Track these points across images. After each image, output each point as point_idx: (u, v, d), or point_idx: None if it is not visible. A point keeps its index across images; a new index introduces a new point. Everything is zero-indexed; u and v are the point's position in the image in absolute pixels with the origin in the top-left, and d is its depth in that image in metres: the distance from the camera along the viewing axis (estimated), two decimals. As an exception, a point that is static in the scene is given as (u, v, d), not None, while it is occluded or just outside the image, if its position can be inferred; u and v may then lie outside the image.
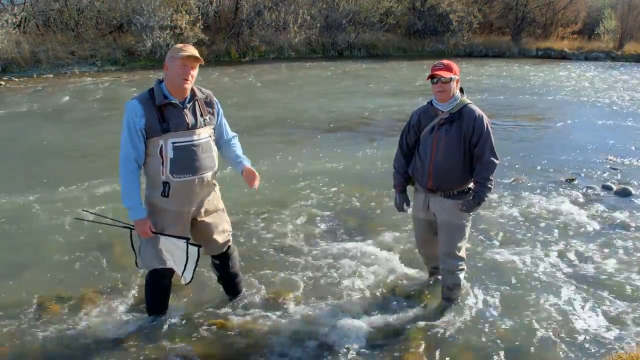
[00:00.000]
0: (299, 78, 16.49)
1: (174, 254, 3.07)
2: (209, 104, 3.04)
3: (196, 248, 3.05)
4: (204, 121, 2.97)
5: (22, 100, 11.76)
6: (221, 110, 3.14)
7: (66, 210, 5.23)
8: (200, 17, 19.46)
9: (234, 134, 3.26)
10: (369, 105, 11.88)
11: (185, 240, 3.02)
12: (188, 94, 2.94)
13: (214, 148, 3.06)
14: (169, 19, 18.27)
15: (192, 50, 2.86)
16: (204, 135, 2.97)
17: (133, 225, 2.97)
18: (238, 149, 3.23)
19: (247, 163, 3.16)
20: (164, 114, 2.85)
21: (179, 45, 2.92)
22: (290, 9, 22.05)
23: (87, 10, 19.00)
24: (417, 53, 25.13)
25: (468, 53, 25.39)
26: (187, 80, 2.85)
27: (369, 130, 9.44)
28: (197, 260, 3.08)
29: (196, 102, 2.97)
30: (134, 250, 3.11)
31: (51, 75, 15.91)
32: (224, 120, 3.18)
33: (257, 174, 3.10)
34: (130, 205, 2.90)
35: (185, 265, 3.06)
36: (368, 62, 21.47)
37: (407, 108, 11.01)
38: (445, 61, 3.26)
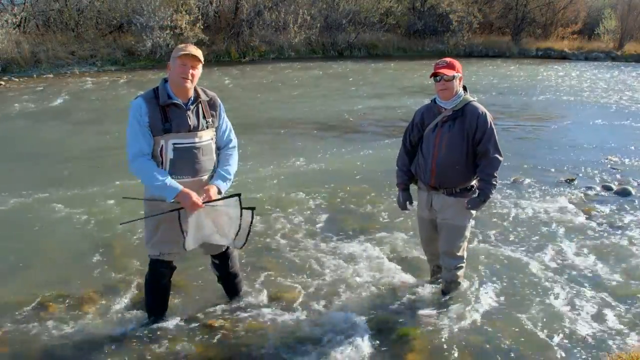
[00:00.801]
0: (299, 78, 16.49)
1: (220, 222, 2.95)
2: (212, 106, 3.02)
3: (250, 211, 2.97)
4: (206, 123, 2.96)
5: (22, 100, 11.75)
6: (224, 113, 3.11)
7: (66, 210, 5.22)
8: (200, 17, 19.47)
9: (234, 143, 3.13)
10: (369, 105, 11.88)
11: (237, 197, 2.93)
12: (191, 94, 2.93)
13: (214, 150, 3.04)
14: (169, 19, 18.27)
15: (192, 49, 2.85)
16: (205, 137, 2.96)
17: (179, 204, 2.80)
18: (226, 163, 3.04)
19: (221, 184, 2.96)
20: (167, 114, 2.85)
21: (180, 45, 2.92)
22: (290, 9, 22.05)
23: (87, 10, 19.00)
24: (417, 53, 25.13)
25: (468, 53, 25.38)
26: (187, 79, 2.83)
27: (369, 130, 9.45)
28: (251, 224, 3.00)
29: (200, 104, 2.96)
30: (182, 233, 2.93)
31: (51, 75, 15.91)
32: (226, 125, 3.10)
33: (211, 194, 2.89)
34: (162, 184, 2.75)
35: (239, 228, 2.96)
36: (368, 62, 21.47)
37: (408, 108, 11.02)
38: (448, 59, 3.27)
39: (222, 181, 2.98)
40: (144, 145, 2.83)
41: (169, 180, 2.78)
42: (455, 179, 3.29)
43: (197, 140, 2.91)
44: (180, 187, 2.78)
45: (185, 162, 2.90)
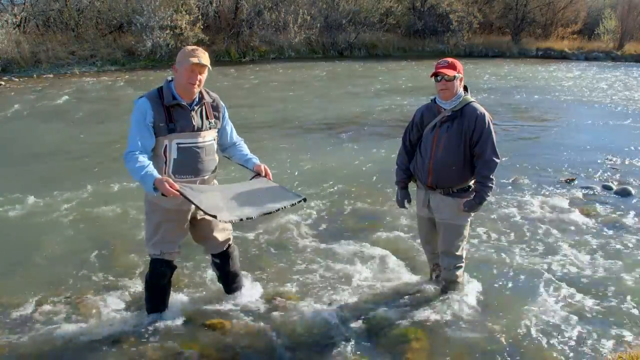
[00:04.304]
0: (299, 78, 16.49)
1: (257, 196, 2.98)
2: (215, 107, 3.07)
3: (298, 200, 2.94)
4: (209, 124, 3.00)
5: (22, 100, 11.76)
6: (227, 115, 3.17)
7: (66, 210, 5.23)
8: (200, 17, 19.48)
9: (240, 138, 3.29)
10: (368, 105, 11.88)
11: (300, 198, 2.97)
12: (196, 96, 2.95)
13: (216, 151, 3.09)
14: (169, 19, 18.28)
15: (202, 57, 2.84)
16: (208, 138, 3.00)
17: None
18: (245, 149, 3.26)
19: (257, 160, 3.19)
20: (171, 114, 2.87)
21: (189, 49, 2.89)
22: (290, 9, 22.06)
23: (87, 10, 19.01)
24: (417, 53, 25.12)
25: (468, 53, 25.39)
26: (194, 85, 2.86)
27: (369, 131, 9.45)
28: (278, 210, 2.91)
29: (204, 105, 2.99)
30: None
31: (51, 75, 15.92)
32: (231, 125, 3.21)
33: (269, 170, 3.13)
34: (143, 174, 2.72)
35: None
36: (368, 62, 21.47)
37: (407, 108, 11.03)
38: (449, 59, 3.26)
39: (258, 160, 3.17)
40: (143, 144, 2.84)
41: (149, 169, 2.75)
42: (452, 180, 3.29)
43: (200, 140, 2.94)
44: (157, 174, 2.74)
45: (189, 161, 2.93)
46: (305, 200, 2.96)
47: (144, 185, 2.76)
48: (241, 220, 2.77)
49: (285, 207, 2.92)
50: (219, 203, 2.82)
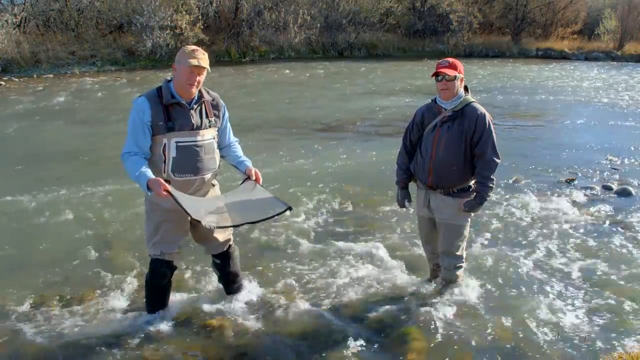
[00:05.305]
0: (299, 78, 16.49)
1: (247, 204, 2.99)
2: (215, 106, 3.07)
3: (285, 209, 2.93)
4: (209, 123, 3.00)
5: (22, 100, 11.76)
6: (227, 114, 3.17)
7: (66, 210, 5.22)
8: (200, 17, 19.48)
9: (236, 139, 3.28)
10: (368, 105, 11.88)
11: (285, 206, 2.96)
12: (195, 95, 2.96)
13: (216, 150, 3.08)
14: (169, 19, 18.28)
15: (201, 59, 2.85)
16: (207, 136, 2.99)
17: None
18: (239, 151, 3.25)
19: (249, 163, 3.18)
20: (170, 113, 2.87)
21: (189, 49, 2.90)
22: (290, 9, 22.07)
23: (87, 10, 19.01)
24: (417, 53, 25.12)
25: (468, 53, 25.38)
26: (193, 85, 2.87)
27: (369, 131, 9.45)
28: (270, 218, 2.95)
29: (203, 104, 2.99)
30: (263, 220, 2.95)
31: (51, 75, 15.91)
32: (229, 125, 3.20)
33: (259, 174, 3.12)
34: (138, 174, 2.75)
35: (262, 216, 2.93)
36: (368, 63, 21.47)
37: (407, 108, 11.02)
38: (450, 59, 3.27)
39: (250, 163, 3.17)
40: (140, 144, 2.85)
41: (143, 169, 2.77)
42: (452, 180, 3.29)
43: (199, 138, 2.94)
44: (151, 175, 2.76)
45: (188, 160, 2.92)
46: (290, 209, 2.97)
47: (140, 186, 2.79)
48: (225, 227, 2.92)
49: (271, 217, 2.97)
50: (208, 209, 2.87)
